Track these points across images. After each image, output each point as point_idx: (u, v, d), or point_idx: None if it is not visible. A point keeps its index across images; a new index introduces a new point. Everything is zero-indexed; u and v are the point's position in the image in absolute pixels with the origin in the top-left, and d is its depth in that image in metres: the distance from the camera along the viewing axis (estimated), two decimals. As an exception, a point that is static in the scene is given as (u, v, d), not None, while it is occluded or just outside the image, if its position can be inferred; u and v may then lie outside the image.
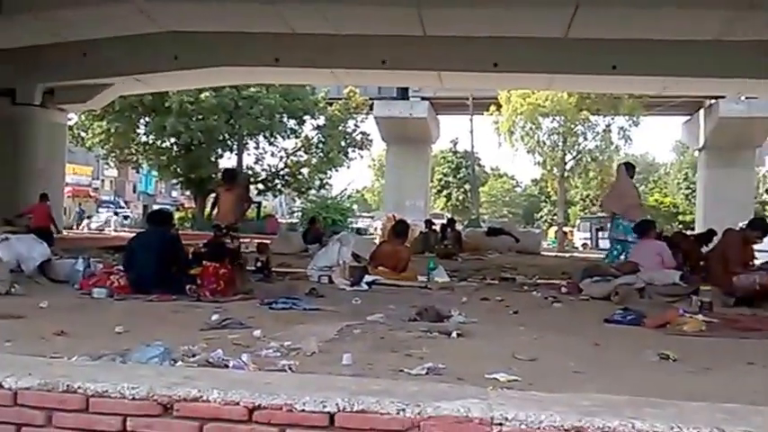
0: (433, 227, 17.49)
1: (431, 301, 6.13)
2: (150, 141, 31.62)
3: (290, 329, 4.58)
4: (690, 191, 45.54)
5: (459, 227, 20.05)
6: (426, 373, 3.40)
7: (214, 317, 5.02)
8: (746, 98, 26.02)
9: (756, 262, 8.34)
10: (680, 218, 45.54)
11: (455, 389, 2.66)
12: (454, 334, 4.59)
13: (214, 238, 8.51)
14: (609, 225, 10.97)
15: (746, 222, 7.76)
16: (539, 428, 2.23)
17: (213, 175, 31.45)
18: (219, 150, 32.41)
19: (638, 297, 7.06)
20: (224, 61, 13.72)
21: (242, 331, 4.51)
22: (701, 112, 29.72)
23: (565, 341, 4.61)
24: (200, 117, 28.47)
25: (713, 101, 27.84)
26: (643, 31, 10.89)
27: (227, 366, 3.37)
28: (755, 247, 8.07)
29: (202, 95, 27.68)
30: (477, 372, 3.41)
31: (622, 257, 9.70)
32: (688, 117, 32.12)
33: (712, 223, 15.71)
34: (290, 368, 3.44)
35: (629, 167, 10.79)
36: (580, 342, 4.57)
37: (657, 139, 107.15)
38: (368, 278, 7.92)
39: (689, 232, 20.54)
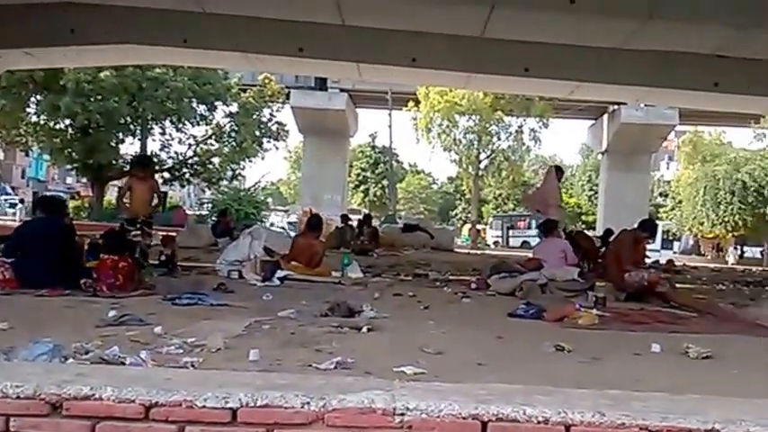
0: (350, 222, 17.56)
1: (344, 296, 6.20)
2: (42, 122, 29.20)
3: (195, 326, 4.51)
4: (593, 192, 47.54)
5: (375, 223, 20.20)
6: (335, 368, 3.47)
7: (111, 313, 4.78)
8: (645, 105, 27.37)
9: (648, 260, 8.95)
10: (583, 218, 47.44)
11: (360, 381, 2.76)
12: (365, 329, 4.70)
13: (117, 230, 8.02)
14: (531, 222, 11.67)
15: (637, 223, 8.22)
16: (438, 417, 2.37)
17: (113, 161, 29.94)
18: (120, 135, 30.50)
19: (541, 292, 7.44)
20: (127, 38, 12.79)
21: (142, 328, 4.35)
22: (605, 117, 31.10)
23: (471, 335, 4.82)
24: (98, 98, 26.57)
25: (616, 107, 29.15)
26: (554, 35, 11.30)
27: (123, 364, 3.24)
28: (648, 246, 8.66)
29: (102, 74, 25.90)
30: (386, 365, 3.52)
31: None
32: (593, 121, 33.49)
33: (611, 224, 16.50)
34: (192, 365, 3.37)
35: (558, 170, 11.53)
36: (485, 335, 4.79)
37: (565, 142, 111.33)
38: (280, 273, 7.88)
39: (591, 232, 21.53)
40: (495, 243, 39.39)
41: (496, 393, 2.56)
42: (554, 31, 10.97)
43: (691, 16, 9.63)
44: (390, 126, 37.32)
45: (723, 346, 4.72)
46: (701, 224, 28.47)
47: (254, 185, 37.34)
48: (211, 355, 3.66)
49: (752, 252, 32.94)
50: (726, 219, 27.16)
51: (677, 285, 8.56)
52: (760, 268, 21.68)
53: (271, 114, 33.30)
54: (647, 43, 11.08)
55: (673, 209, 33.16)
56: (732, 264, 28.73)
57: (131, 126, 30.27)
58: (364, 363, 3.60)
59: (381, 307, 5.83)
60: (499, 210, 49.88)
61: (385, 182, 48.74)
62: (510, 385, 2.78)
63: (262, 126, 32.84)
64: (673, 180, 37.18)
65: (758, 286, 11.05)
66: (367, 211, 26.78)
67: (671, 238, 36.88)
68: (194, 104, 30.35)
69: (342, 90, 30.92)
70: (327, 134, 32.24)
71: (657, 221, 30.89)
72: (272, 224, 32.81)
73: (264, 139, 33.39)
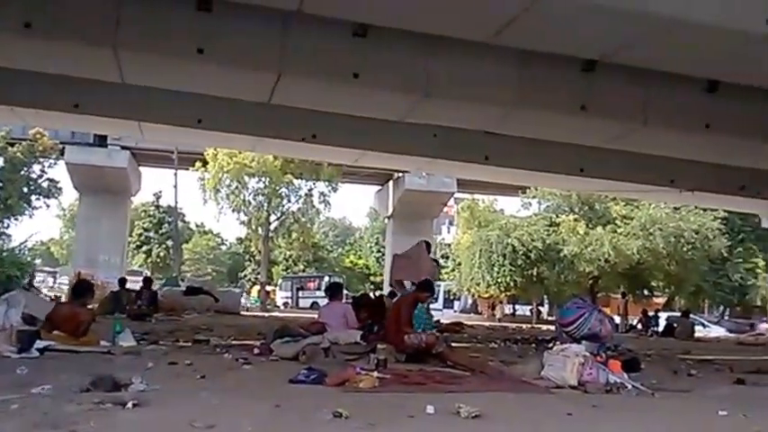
0: (126, 286, 16.56)
1: (112, 367, 5.75)
2: None
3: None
4: (380, 254, 49.34)
5: (155, 286, 19.23)
6: None
7: None
8: (427, 174, 29.26)
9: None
10: (371, 279, 48.92)
11: None
12: (130, 404, 4.31)
13: None
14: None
15: (416, 284, 8.59)
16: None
17: None
18: None
19: (324, 356, 7.41)
20: None
21: None
22: (391, 183, 32.69)
23: (247, 405, 4.65)
24: None
25: (400, 174, 30.81)
26: (339, 105, 11.75)
27: None
28: (433, 306, 9.12)
29: None
30: None
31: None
32: (380, 187, 35.05)
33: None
34: None
35: (428, 245, 12.75)
36: (262, 405, 4.63)
37: (354, 205, 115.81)
38: (39, 344, 7.09)
39: (379, 292, 22.22)
40: (285, 304, 39.25)
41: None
42: (339, 102, 11.41)
43: (462, 97, 10.52)
44: (176, 186, 36.18)
45: (492, 403, 4.94)
46: (478, 285, 30.53)
47: (19, 245, 34.02)
48: None
49: (522, 310, 35.98)
50: (499, 280, 29.40)
51: (453, 344, 9.05)
52: (529, 326, 23.67)
53: (42, 170, 30.92)
54: (425, 118, 11.90)
55: (453, 270, 35.21)
56: (499, 318, 31.25)
57: None
58: None
59: (154, 378, 5.44)
60: (289, 271, 49.92)
61: (170, 242, 46.89)
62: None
63: (31, 182, 30.34)
64: (452, 243, 39.64)
65: (525, 343, 11.87)
66: (149, 273, 25.48)
67: (452, 297, 39.13)
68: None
69: (123, 147, 29.56)
70: (106, 192, 30.58)
71: (440, 282, 32.88)
72: (37, 288, 29.93)
73: (34, 197, 30.83)
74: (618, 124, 11.51)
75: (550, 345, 8.03)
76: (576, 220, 29.39)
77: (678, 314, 22.89)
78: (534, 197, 32.16)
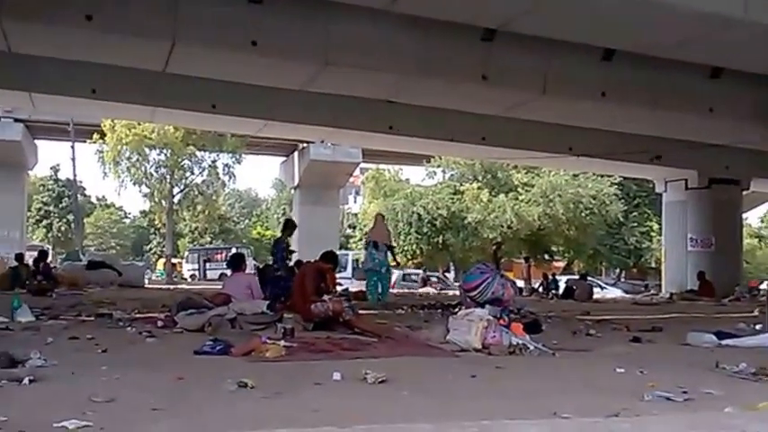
0: (24, 261, 15.90)
1: (10, 343, 5.54)
2: None
3: None
4: (288, 225, 49.04)
5: (56, 261, 18.56)
6: None
7: None
8: (332, 144, 29.18)
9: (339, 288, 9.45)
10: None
11: None
12: (26, 380, 4.19)
13: None
14: (364, 259, 13.85)
15: (320, 255, 8.65)
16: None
17: None
18: None
19: (231, 327, 7.37)
20: None
21: None
22: (296, 153, 32.41)
23: (149, 377, 4.57)
24: None
25: (305, 144, 30.59)
26: (239, 74, 11.55)
27: None
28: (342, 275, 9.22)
29: None
30: (46, 421, 3.16)
31: (380, 288, 12.58)
32: (285, 157, 34.68)
33: (305, 254, 17.12)
34: None
35: (382, 217, 14.79)
36: (165, 377, 4.57)
37: (259, 176, 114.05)
38: (-69, 322, 6.86)
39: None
40: (192, 276, 38.55)
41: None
42: (237, 71, 11.22)
43: (361, 65, 10.54)
44: (74, 159, 34.72)
45: (397, 368, 4.99)
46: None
47: None
48: None
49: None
50: (405, 248, 29.77)
51: (361, 312, 9.14)
52: (435, 291, 24.10)
53: (-68, 144, 28.83)
54: (326, 87, 11.87)
55: (360, 239, 35.39)
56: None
57: None
58: (20, 420, 3.19)
59: (53, 353, 5.27)
60: (195, 243, 48.92)
61: (70, 216, 45.06)
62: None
63: None
64: (359, 213, 39.81)
65: (431, 309, 12.01)
66: (44, 247, 24.45)
67: (360, 266, 39.33)
68: None
69: (17, 120, 28.10)
70: (1, 166, 29.08)
71: (348, 251, 33.00)
72: None
73: None
74: (518, 93, 11.85)
75: (455, 310, 8.22)
76: (479, 188, 30.10)
77: (577, 277, 23.81)
78: (439, 166, 32.71)
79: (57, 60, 11.45)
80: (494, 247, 23.81)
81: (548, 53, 10.97)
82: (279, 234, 11.73)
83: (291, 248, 11.63)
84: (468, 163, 31.03)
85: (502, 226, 28.45)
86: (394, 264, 14.03)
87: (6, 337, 6.46)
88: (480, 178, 31.43)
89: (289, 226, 11.56)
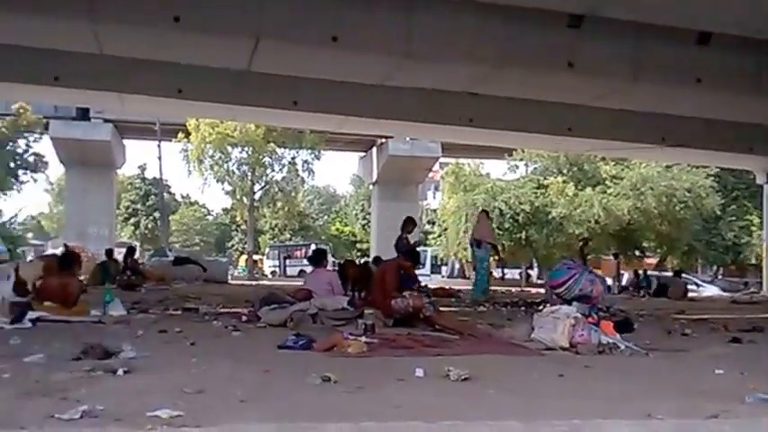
0: (114, 257, 16.53)
1: (104, 336, 5.73)
2: None
3: None
4: (366, 221, 49.24)
5: (144, 257, 19.30)
6: (80, 417, 3.12)
7: None
8: (411, 139, 29.09)
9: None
10: (358, 246, 48.93)
11: None
12: (120, 371, 4.32)
13: None
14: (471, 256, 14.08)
15: (402, 252, 8.60)
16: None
17: None
18: None
19: (312, 322, 7.44)
20: None
21: None
22: (374, 149, 32.52)
23: (236, 370, 4.63)
24: None
25: (384, 140, 30.64)
26: (319, 71, 11.62)
27: None
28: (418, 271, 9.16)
29: None
30: (140, 410, 3.24)
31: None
32: (363, 153, 34.87)
33: (383, 251, 17.21)
34: None
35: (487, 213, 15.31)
36: (251, 370, 4.63)
37: (338, 173, 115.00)
38: (32, 314, 7.11)
39: (364, 259, 22.22)
40: (273, 273, 39.33)
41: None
42: (319, 67, 11.27)
43: (444, 57, 10.39)
44: (160, 158, 35.91)
45: (481, 366, 4.90)
46: (465, 249, 30.46)
47: (8, 220, 33.86)
48: None
49: (511, 274, 36.03)
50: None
51: (441, 309, 9.06)
52: (519, 289, 23.71)
53: (27, 145, 30.57)
54: (407, 81, 11.77)
55: (440, 235, 35.15)
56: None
57: None
58: (115, 409, 3.28)
59: (144, 345, 5.43)
60: (276, 240, 49.89)
61: (157, 214, 46.74)
62: (267, 424, 2.69)
63: (17, 158, 29.96)
64: (438, 208, 39.59)
65: (514, 306, 11.80)
66: (131, 244, 25.42)
67: (439, 263, 39.13)
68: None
69: (106, 120, 29.27)
70: (92, 166, 30.39)
71: (426, 248, 32.86)
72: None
73: (21, 172, 30.51)
74: (607, 81, 11.41)
75: (540, 307, 8.04)
76: (564, 181, 29.30)
77: (670, 274, 22.99)
78: (521, 159, 31.98)
79: (145, 61, 11.80)
80: (580, 244, 23.09)
81: (638, 38, 10.51)
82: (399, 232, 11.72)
83: (414, 244, 11.59)
84: (552, 155, 30.22)
85: (589, 221, 27.58)
86: (497, 260, 14.29)
87: (99, 331, 6.67)
88: (565, 171, 30.56)
89: (409, 223, 11.49)
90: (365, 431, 2.67)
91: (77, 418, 3.13)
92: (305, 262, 33.94)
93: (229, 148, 31.25)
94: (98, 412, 3.22)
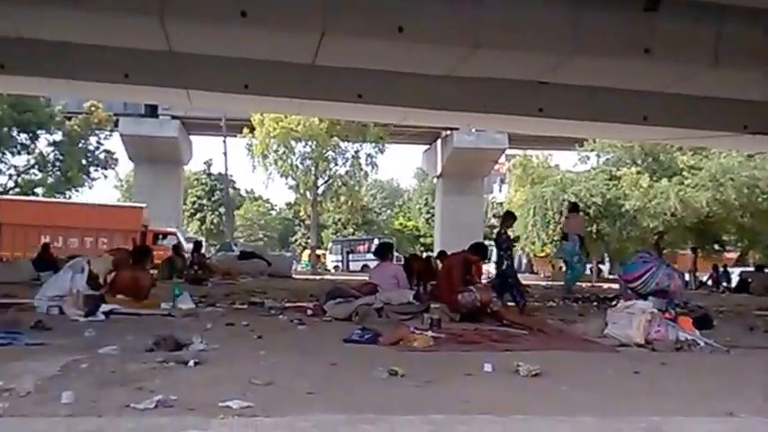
0: (181, 252, 16.90)
1: (173, 328, 5.84)
2: None
3: (3, 368, 4.02)
4: (430, 215, 49.12)
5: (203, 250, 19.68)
6: (155, 407, 3.19)
7: None
8: (477, 130, 28.70)
9: (483, 281, 9.28)
10: (421, 240, 48.81)
11: (175, 421, 2.55)
12: (191, 362, 4.40)
13: None
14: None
15: (468, 246, 8.47)
16: (258, 453, 2.20)
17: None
18: None
19: (377, 316, 7.39)
20: None
21: None
22: (439, 141, 32.28)
23: (303, 363, 4.65)
24: None
25: (449, 132, 30.35)
26: (384, 63, 11.52)
27: None
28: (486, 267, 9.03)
29: None
30: (211, 401, 3.30)
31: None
32: (427, 146, 34.68)
33: (448, 245, 17.02)
34: None
35: (577, 207, 15.48)
36: (318, 363, 4.63)
37: (401, 166, 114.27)
38: (105, 307, 7.30)
39: (428, 254, 22.12)
40: (336, 267, 39.62)
41: (321, 425, 2.44)
42: (384, 59, 11.18)
43: (514, 46, 10.14)
44: (225, 153, 36.59)
45: (552, 362, 4.82)
46: (533, 243, 29.95)
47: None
48: (20, 400, 3.28)
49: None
50: (555, 238, 28.78)
51: (509, 304, 8.90)
52: (589, 284, 23.15)
53: (98, 142, 31.63)
54: (475, 71, 11.54)
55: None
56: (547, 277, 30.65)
57: (-55, 157, 27.36)
58: (188, 399, 3.34)
59: (212, 338, 5.50)
60: (339, 234, 50.25)
61: (222, 209, 47.70)
62: (335, 415, 2.66)
63: (89, 154, 31.03)
64: (505, 202, 39.04)
65: (586, 302, 11.58)
66: (198, 239, 25.99)
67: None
68: (14, 133, 28.00)
69: (173, 117, 30.05)
70: (159, 162, 31.26)
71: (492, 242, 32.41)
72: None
73: (92, 168, 31.59)
74: (685, 66, 10.90)
75: (613, 303, 7.81)
76: (638, 172, 28.43)
77: (752, 269, 22.09)
78: (592, 150, 31.18)
79: (212, 57, 11.94)
80: (655, 237, 22.36)
81: (720, 21, 10.00)
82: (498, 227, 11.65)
83: (514, 239, 11.50)
84: (625, 145, 29.36)
85: (664, 213, 26.69)
86: (584, 255, 13.97)
87: (169, 323, 6.80)
88: (639, 162, 29.64)
89: (508, 217, 11.32)
90: (434, 423, 2.59)
91: (152, 407, 3.20)
92: (368, 257, 34.17)
93: (293, 143, 31.60)
94: (172, 402, 3.28)
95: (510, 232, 11.14)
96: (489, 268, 17.12)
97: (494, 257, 12.74)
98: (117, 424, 2.60)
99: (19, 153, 29.60)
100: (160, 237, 28.55)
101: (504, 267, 10.05)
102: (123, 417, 3.00)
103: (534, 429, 2.57)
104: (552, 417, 3.20)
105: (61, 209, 28.35)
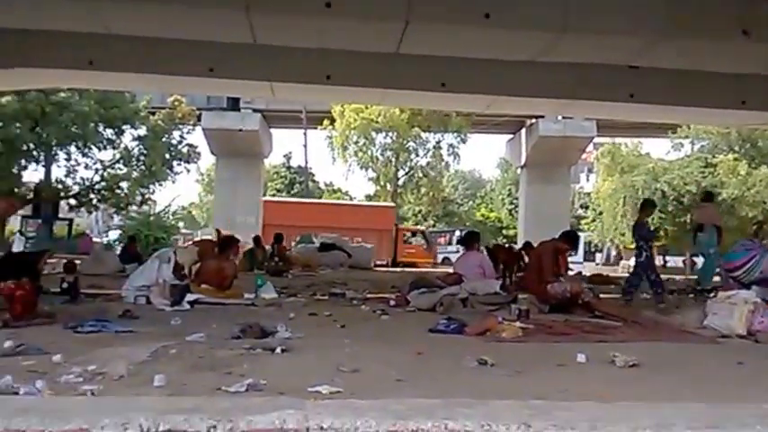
0: (262, 244, 17.20)
1: (257, 318, 5.92)
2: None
3: (96, 353, 4.18)
4: (513, 206, 48.28)
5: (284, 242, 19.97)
6: (246, 390, 3.25)
7: (7, 343, 4.34)
8: (563, 118, 27.94)
9: (570, 272, 8.98)
10: (504, 232, 48.15)
11: (270, 402, 2.61)
12: (278, 350, 4.45)
13: (14, 254, 7.63)
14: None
15: (558, 235, 8.20)
16: (355, 433, 2.19)
17: (16, 189, 28.73)
18: (23, 162, 28.31)
19: (462, 307, 7.30)
20: (30, 62, 12.41)
21: (39, 357, 4.01)
22: (523, 130, 31.55)
23: (389, 352, 4.62)
24: (-1, 124, 24.92)
25: (534, 120, 29.67)
26: (469, 50, 11.32)
27: (16, 394, 3.01)
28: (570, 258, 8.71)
29: (3, 100, 24.21)
30: (300, 386, 3.32)
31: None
32: (511, 135, 34.00)
33: (532, 237, 16.63)
34: (92, 393, 3.15)
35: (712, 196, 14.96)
36: (404, 352, 4.59)
37: (484, 156, 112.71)
38: (190, 297, 7.51)
39: (509, 244, 21.71)
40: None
41: (416, 408, 2.39)
42: (469, 46, 10.97)
43: (604, 29, 9.78)
44: (305, 145, 37.02)
45: (649, 353, 4.66)
46: (623, 235, 29.02)
47: (163, 210, 36.24)
48: (113, 383, 3.41)
49: (674, 261, 33.85)
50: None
51: (601, 295, 8.59)
52: (683, 277, 22.22)
53: (181, 137, 32.32)
54: (562, 56, 11.19)
55: (594, 220, 33.78)
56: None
57: (34, 152, 28.27)
58: (277, 384, 3.38)
59: (296, 327, 5.56)
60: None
61: (301, 202, 48.34)
62: (430, 399, 2.60)
63: (172, 149, 31.90)
64: (593, 192, 38.03)
65: (681, 294, 11.17)
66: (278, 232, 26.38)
67: (593, 249, 37.60)
68: (101, 128, 29.03)
69: (255, 110, 30.51)
70: (241, 155, 31.81)
71: (579, 233, 31.63)
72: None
73: (175, 162, 32.40)
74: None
75: (712, 294, 7.44)
76: (736, 159, 27.17)
77: None
78: (686, 137, 29.98)
79: (295, 49, 12.03)
80: (754, 227, 21.27)
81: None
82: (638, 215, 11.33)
83: (653, 229, 11.22)
84: (722, 132, 28.07)
85: (764, 202, 25.44)
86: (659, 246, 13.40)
87: (253, 313, 6.91)
88: (737, 148, 28.29)
89: (648, 205, 11.06)
90: (534, 408, 2.49)
91: (243, 391, 3.26)
92: (449, 249, 33.92)
93: (373, 134, 31.64)
94: (261, 386, 3.33)
95: (648, 221, 10.75)
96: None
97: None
98: (213, 402, 2.64)
99: (105, 148, 30.35)
100: (409, 234, 30.92)
101: (642, 259, 9.64)
102: (215, 398, 3.03)
103: (639, 415, 2.43)
104: (657, 402, 3.10)
105: (321, 209, 31.76)
